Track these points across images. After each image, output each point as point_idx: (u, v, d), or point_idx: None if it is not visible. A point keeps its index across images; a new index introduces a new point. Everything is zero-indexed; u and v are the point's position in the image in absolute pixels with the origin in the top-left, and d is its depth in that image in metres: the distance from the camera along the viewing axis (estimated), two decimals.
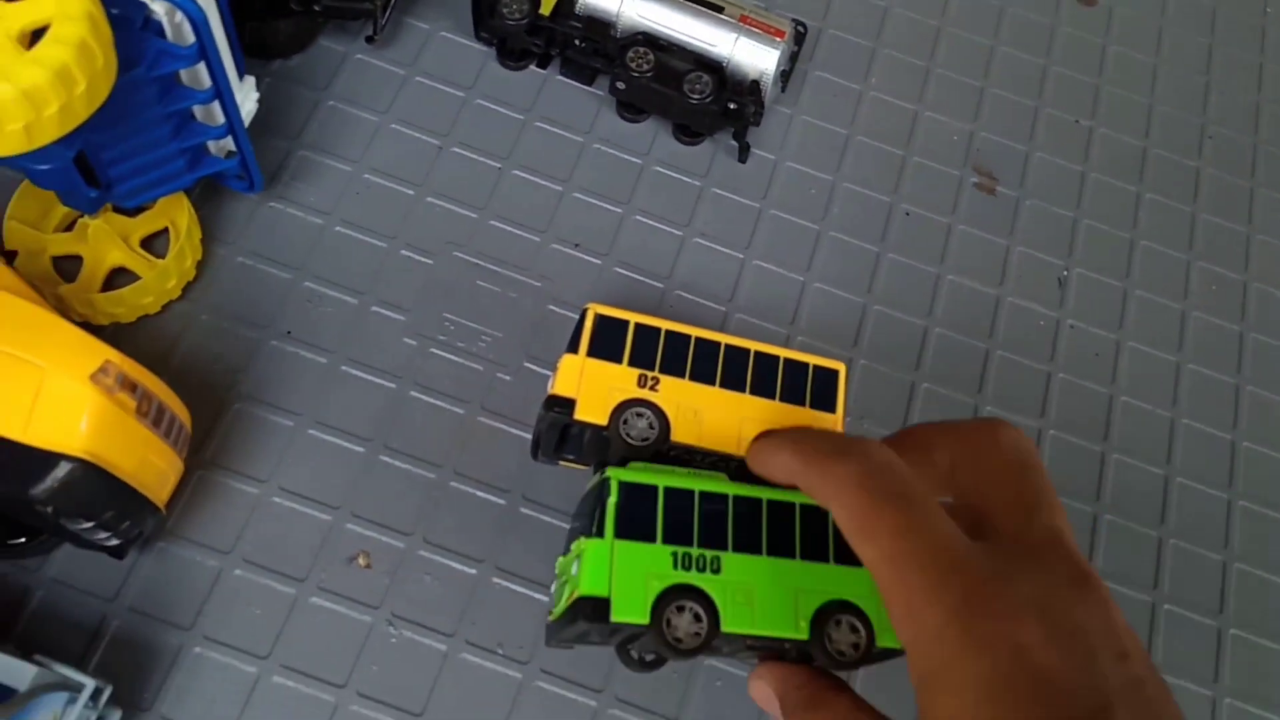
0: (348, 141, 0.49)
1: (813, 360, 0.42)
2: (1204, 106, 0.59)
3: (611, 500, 0.34)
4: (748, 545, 0.35)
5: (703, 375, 0.40)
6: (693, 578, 0.34)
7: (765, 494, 0.36)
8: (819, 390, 0.41)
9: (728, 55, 0.48)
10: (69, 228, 0.44)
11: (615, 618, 0.32)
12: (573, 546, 0.37)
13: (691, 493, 0.35)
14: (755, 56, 0.48)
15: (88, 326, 0.40)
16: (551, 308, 0.47)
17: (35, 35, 0.32)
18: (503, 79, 0.51)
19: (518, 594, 0.42)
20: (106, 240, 0.42)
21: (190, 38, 0.36)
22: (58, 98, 0.31)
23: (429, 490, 0.43)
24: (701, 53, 0.49)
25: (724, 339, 0.41)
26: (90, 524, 0.33)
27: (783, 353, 0.41)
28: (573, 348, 0.40)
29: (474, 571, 0.42)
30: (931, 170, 0.54)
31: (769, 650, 0.35)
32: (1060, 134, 0.56)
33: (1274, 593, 0.47)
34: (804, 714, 0.31)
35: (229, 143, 0.42)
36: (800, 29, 0.51)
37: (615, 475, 0.35)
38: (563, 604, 0.36)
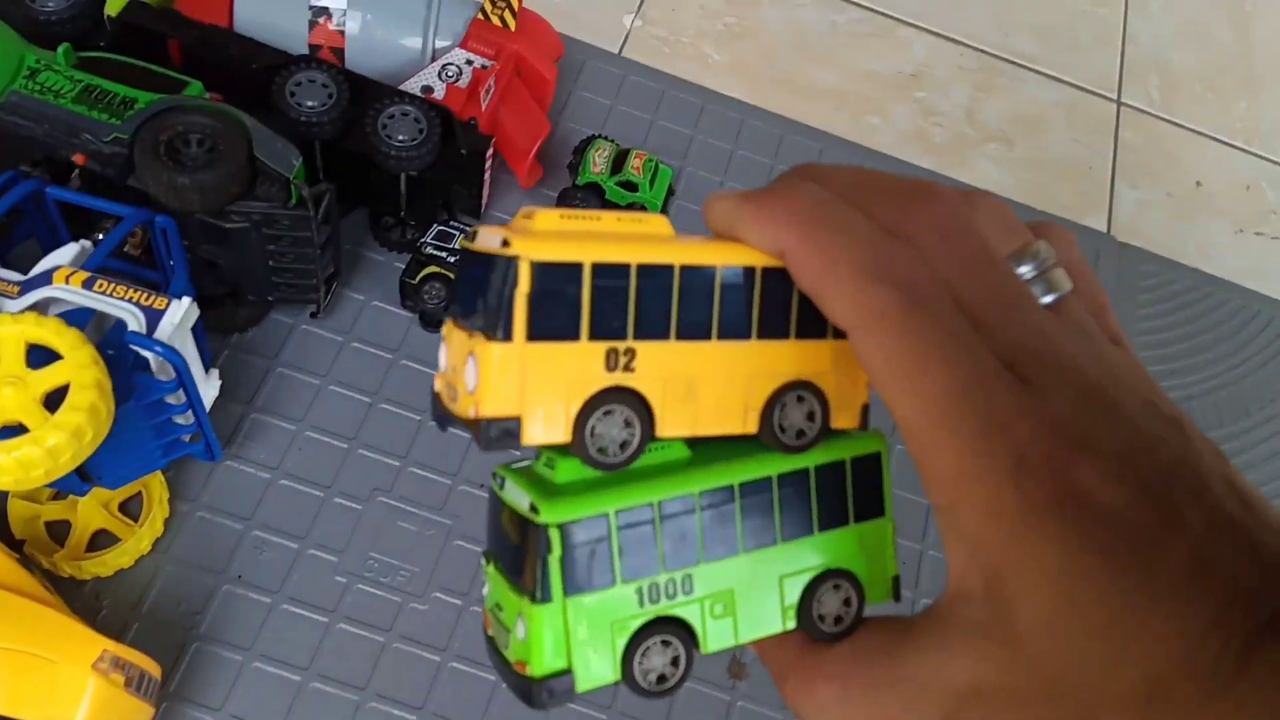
0: (293, 403, 0.59)
1: None
2: None
3: (554, 556, 0.26)
4: (723, 548, 0.28)
5: (693, 326, 0.27)
6: (662, 609, 0.27)
7: (737, 475, 0.28)
8: None
9: None
10: (59, 495, 0.53)
11: (581, 689, 0.26)
12: (506, 594, 0.27)
13: (650, 507, 0.27)
14: None
15: (73, 581, 0.50)
16: (458, 543, 0.57)
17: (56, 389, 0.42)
18: (424, 340, 0.62)
19: None
20: (92, 508, 0.51)
21: (172, 373, 0.46)
22: (71, 450, 0.41)
23: (353, 713, 0.52)
24: None
25: (717, 259, 0.26)
26: None
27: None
28: (499, 330, 0.24)
29: None
30: None
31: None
32: None
33: None
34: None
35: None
36: None
37: (550, 518, 0.26)
38: (511, 661, 0.27)
